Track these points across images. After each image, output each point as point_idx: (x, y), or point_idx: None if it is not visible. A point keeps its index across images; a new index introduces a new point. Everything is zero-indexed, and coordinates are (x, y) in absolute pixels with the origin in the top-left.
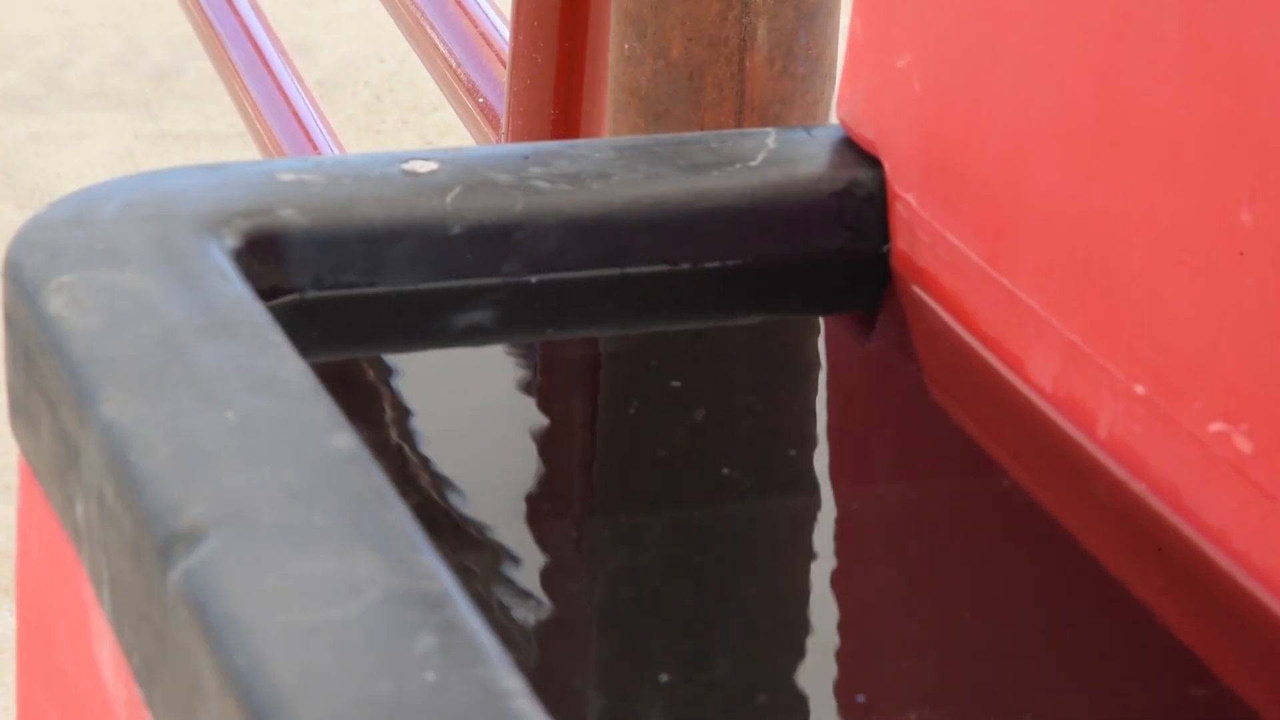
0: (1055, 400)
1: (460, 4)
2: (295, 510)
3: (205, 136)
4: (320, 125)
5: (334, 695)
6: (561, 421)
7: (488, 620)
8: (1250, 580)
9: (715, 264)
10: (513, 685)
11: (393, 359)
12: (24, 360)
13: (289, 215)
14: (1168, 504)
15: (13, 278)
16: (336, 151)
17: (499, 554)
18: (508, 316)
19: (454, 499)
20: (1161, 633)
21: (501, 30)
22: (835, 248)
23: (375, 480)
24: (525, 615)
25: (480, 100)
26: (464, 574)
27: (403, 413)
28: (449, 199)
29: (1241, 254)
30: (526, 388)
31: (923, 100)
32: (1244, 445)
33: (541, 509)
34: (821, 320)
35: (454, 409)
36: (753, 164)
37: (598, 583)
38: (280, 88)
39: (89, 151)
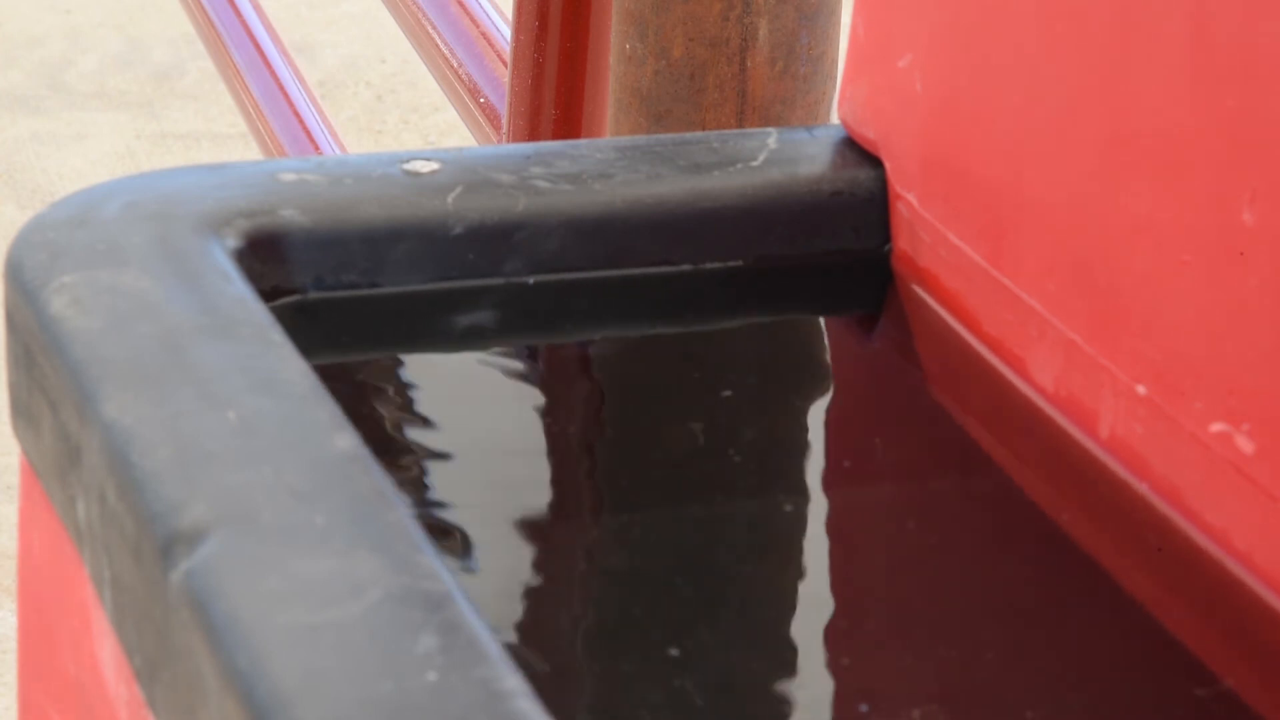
0: (1057, 400)
1: (462, 4)
2: (297, 510)
3: (206, 137)
4: (322, 125)
5: (335, 695)
6: (562, 422)
7: (488, 620)
8: (1252, 580)
9: (716, 264)
10: (513, 685)
11: (394, 359)
12: (25, 360)
13: (290, 215)
14: (1169, 504)
15: (14, 278)
16: (338, 152)
17: (499, 554)
18: (509, 317)
19: (455, 499)
20: (1161, 633)
21: (503, 30)
22: (837, 248)
23: (376, 480)
24: (526, 615)
25: (482, 100)
26: (464, 574)
27: (404, 413)
28: (450, 199)
29: (1243, 254)
30: (527, 388)
31: (924, 100)
32: (1245, 445)
33: (542, 509)
34: (823, 321)
35: (455, 409)
36: (754, 164)
37: (599, 583)
38: (282, 88)
39: (90, 151)
